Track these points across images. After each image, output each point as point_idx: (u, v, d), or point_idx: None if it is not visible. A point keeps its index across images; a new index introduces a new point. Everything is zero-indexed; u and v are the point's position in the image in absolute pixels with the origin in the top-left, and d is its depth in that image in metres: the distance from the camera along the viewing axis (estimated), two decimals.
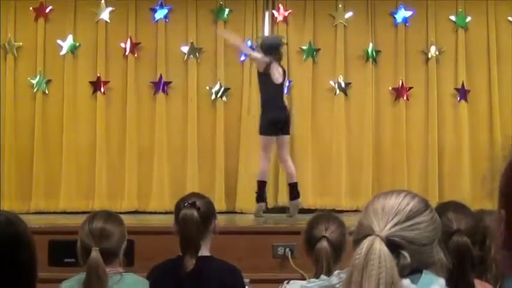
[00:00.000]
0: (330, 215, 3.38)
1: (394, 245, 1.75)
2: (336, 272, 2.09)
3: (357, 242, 1.76)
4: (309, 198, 9.10)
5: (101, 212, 3.42)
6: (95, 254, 3.13)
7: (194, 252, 3.46)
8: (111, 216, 3.37)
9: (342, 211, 8.79)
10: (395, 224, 1.79)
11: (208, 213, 3.59)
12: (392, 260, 1.70)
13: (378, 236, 1.74)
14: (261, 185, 7.69)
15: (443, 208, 2.88)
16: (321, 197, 9.14)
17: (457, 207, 2.97)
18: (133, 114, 9.22)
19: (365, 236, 1.75)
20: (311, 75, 9.40)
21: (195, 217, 3.49)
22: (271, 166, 9.11)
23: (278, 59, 7.68)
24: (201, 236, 3.51)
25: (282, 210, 8.96)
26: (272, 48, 7.67)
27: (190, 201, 3.54)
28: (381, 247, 1.71)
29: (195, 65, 9.30)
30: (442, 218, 2.20)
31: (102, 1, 9.35)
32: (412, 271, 1.78)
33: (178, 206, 3.59)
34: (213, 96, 9.27)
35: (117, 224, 3.34)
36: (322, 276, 2.37)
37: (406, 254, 1.75)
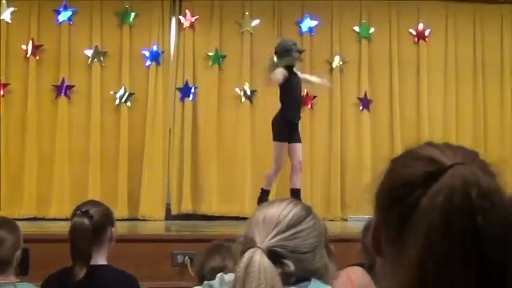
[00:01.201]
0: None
1: (275, 255, 1.76)
2: (218, 275, 2.10)
3: (242, 253, 1.75)
4: (213, 205, 9.10)
5: None
6: None
7: (84, 262, 3.37)
8: (4, 223, 3.26)
9: (245, 218, 8.84)
10: (276, 235, 1.80)
11: (102, 221, 3.49)
12: (273, 271, 1.71)
13: (258, 247, 1.74)
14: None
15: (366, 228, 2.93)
16: (225, 204, 9.13)
17: None
18: (34, 118, 8.98)
19: (248, 249, 1.75)
20: (217, 81, 9.39)
21: (85, 226, 3.38)
22: (178, 171, 9.11)
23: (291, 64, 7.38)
24: (92, 245, 3.42)
25: (187, 217, 8.96)
26: (287, 51, 7.39)
27: (83, 209, 3.44)
28: (261, 259, 1.71)
29: (99, 69, 9.15)
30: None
31: (4, 1, 9.09)
32: (300, 279, 1.78)
33: (73, 214, 3.49)
34: (117, 101, 9.14)
35: (10, 230, 3.23)
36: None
37: (289, 262, 1.76)
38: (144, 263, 5.27)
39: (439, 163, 1.12)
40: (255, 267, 1.70)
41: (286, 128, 7.23)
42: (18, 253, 3.25)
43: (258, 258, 1.72)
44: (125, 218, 8.51)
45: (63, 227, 6.97)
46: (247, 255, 1.73)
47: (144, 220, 8.82)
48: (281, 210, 1.85)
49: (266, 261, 1.72)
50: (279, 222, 1.82)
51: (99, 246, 3.47)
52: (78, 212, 3.43)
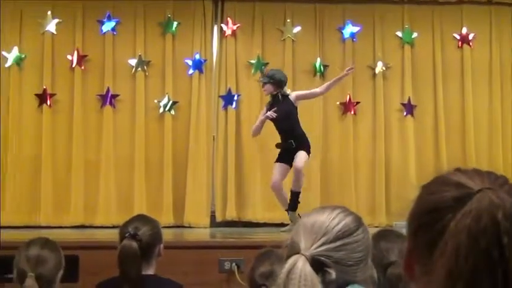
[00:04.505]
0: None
1: (319, 264, 1.75)
2: None
3: (287, 258, 1.76)
4: (257, 212, 9.11)
5: (37, 239, 3.34)
6: (31, 281, 3.07)
7: (133, 284, 3.39)
8: (47, 243, 3.30)
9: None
10: (323, 244, 1.79)
11: (151, 242, 3.49)
12: (314, 279, 1.71)
13: (302, 255, 1.74)
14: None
15: (374, 239, 2.88)
16: (269, 211, 9.13)
17: (388, 234, 2.98)
18: (80, 127, 9.12)
19: (293, 254, 1.75)
20: (259, 89, 9.40)
21: (134, 250, 3.39)
22: (222, 179, 9.15)
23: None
24: (142, 265, 3.43)
25: (231, 224, 8.99)
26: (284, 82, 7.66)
27: (131, 231, 3.44)
28: (303, 267, 1.71)
29: (143, 78, 9.25)
30: (375, 250, 2.20)
31: (49, 12, 9.24)
32: (339, 285, 1.78)
33: (121, 233, 3.49)
34: (161, 110, 9.22)
35: (53, 250, 3.27)
36: None
37: (331, 271, 1.76)
38: (191, 270, 5.29)
39: (467, 188, 1.16)
40: (296, 273, 1.70)
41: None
42: (61, 273, 3.29)
43: (301, 265, 1.72)
44: (170, 225, 8.57)
45: (110, 235, 7.04)
46: (290, 261, 1.73)
47: (189, 227, 8.88)
48: (331, 219, 1.84)
49: (308, 269, 1.71)
50: (328, 231, 1.81)
51: (147, 262, 3.49)
52: (126, 234, 3.43)
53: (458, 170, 1.22)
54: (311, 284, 1.69)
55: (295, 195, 7.53)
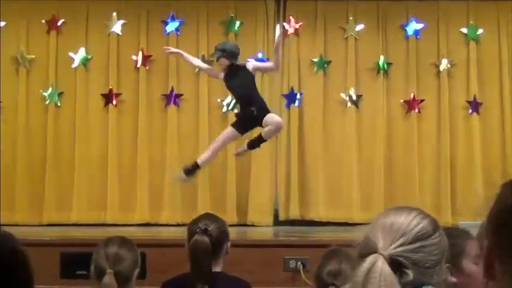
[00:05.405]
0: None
1: (397, 264, 1.75)
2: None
3: (362, 256, 1.76)
4: (320, 211, 9.11)
5: (114, 237, 3.42)
6: (109, 277, 3.15)
7: (205, 279, 3.43)
8: (125, 242, 3.38)
9: (353, 224, 8.81)
10: (401, 245, 1.79)
11: (220, 238, 3.55)
12: (394, 279, 1.71)
13: (381, 254, 1.74)
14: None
15: None
16: (332, 209, 9.13)
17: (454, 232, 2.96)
18: (145, 126, 9.26)
19: (369, 252, 1.75)
20: (322, 87, 9.40)
21: (206, 244, 3.45)
22: (285, 177, 9.17)
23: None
24: (211, 262, 3.48)
25: (294, 222, 9.00)
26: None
27: (202, 226, 3.50)
28: (383, 266, 1.71)
29: (206, 78, 9.31)
30: None
31: (114, 14, 9.40)
32: (414, 287, 1.78)
33: (191, 230, 3.54)
34: (224, 109, 9.28)
35: (130, 249, 3.34)
36: None
37: (409, 271, 1.76)
38: (256, 268, 5.31)
39: None
40: (376, 273, 1.69)
41: None
42: (137, 271, 3.35)
43: (380, 265, 1.71)
44: (234, 223, 8.62)
45: (176, 233, 7.17)
46: (369, 260, 1.73)
47: (252, 226, 8.92)
48: (409, 221, 1.84)
49: (388, 270, 1.71)
50: (406, 232, 1.81)
51: (215, 259, 3.53)
52: (197, 230, 3.49)
53: None
54: (390, 284, 1.69)
55: (261, 141, 7.39)
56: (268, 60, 9.32)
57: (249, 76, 7.37)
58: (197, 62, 8.02)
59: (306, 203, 9.20)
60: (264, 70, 8.17)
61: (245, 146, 7.49)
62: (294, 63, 9.44)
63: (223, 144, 7.58)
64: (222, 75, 7.49)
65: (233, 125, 7.44)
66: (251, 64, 7.48)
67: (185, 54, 7.93)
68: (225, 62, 7.40)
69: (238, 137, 7.54)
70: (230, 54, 7.42)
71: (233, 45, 7.66)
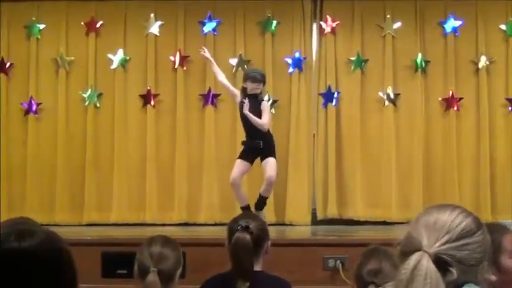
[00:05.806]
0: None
1: (441, 262, 1.75)
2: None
3: (405, 254, 1.75)
4: (358, 210, 9.08)
5: (158, 236, 3.46)
6: (153, 275, 3.18)
7: (247, 276, 3.44)
8: (168, 241, 3.41)
9: (392, 223, 8.78)
10: (446, 242, 1.79)
11: (261, 236, 3.57)
12: (438, 278, 1.70)
13: (426, 252, 1.74)
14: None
15: None
16: (370, 208, 9.09)
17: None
18: (183, 126, 9.31)
19: (413, 250, 1.74)
20: (359, 86, 9.37)
21: (247, 241, 3.47)
22: (323, 176, 9.15)
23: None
24: (253, 260, 3.50)
25: (332, 221, 8.98)
26: None
27: (243, 224, 3.52)
28: (428, 264, 1.71)
29: (242, 78, 9.32)
30: None
31: (152, 15, 9.47)
32: (457, 285, 1.78)
33: (231, 228, 3.57)
34: None
35: (173, 248, 3.38)
36: None
37: (453, 270, 1.75)
38: (296, 268, 5.32)
39: None
40: (422, 270, 1.69)
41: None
42: (180, 270, 3.39)
43: (425, 262, 1.71)
44: (272, 222, 8.63)
45: (215, 232, 7.20)
46: (414, 258, 1.73)
47: (290, 225, 8.92)
48: (453, 218, 1.84)
49: (433, 267, 1.71)
50: (450, 230, 1.81)
51: (256, 258, 3.55)
52: (239, 227, 3.51)
53: None
54: (436, 283, 1.69)
55: (264, 199, 7.53)
56: (305, 59, 9.33)
57: (260, 111, 7.42)
58: (222, 77, 7.96)
59: (344, 202, 9.17)
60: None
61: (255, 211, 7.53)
62: (331, 62, 9.42)
63: (240, 177, 7.58)
64: (238, 99, 7.53)
65: (240, 157, 7.54)
66: (265, 103, 7.54)
67: (215, 66, 7.98)
68: (257, 89, 7.42)
69: (249, 167, 7.57)
70: (264, 85, 7.52)
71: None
